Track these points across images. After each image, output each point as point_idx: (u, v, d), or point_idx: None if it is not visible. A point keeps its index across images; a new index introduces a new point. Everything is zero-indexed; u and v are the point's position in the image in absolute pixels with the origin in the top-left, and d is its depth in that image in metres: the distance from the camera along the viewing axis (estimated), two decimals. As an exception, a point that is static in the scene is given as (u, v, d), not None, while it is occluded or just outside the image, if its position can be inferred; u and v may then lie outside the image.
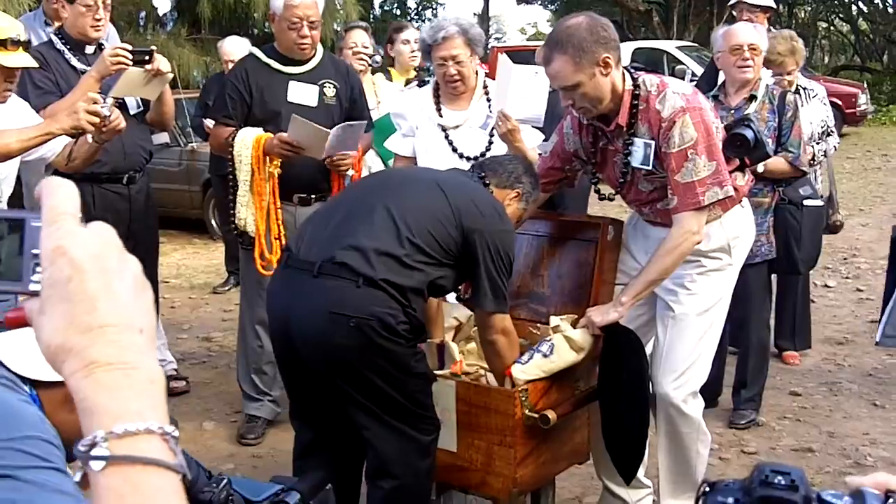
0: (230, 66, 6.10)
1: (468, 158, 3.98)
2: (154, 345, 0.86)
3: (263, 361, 4.50)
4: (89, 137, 3.66)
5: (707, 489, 1.05)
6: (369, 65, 5.45)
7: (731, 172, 3.30)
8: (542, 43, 3.84)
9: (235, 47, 6.73)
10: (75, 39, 4.42)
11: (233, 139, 4.19)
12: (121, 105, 4.11)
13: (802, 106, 4.91)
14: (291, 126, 3.98)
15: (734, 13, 5.84)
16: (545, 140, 3.70)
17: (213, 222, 9.17)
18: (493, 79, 4.08)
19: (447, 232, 2.90)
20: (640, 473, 3.52)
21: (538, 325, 3.40)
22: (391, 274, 2.81)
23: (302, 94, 4.28)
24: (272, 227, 4.19)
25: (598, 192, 3.54)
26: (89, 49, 4.45)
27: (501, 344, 3.04)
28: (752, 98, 4.46)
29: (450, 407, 3.05)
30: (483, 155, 3.98)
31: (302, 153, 4.03)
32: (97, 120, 3.51)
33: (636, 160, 3.21)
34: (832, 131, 5.21)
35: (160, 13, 15.19)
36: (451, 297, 3.45)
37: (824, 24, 33.32)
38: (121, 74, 4.12)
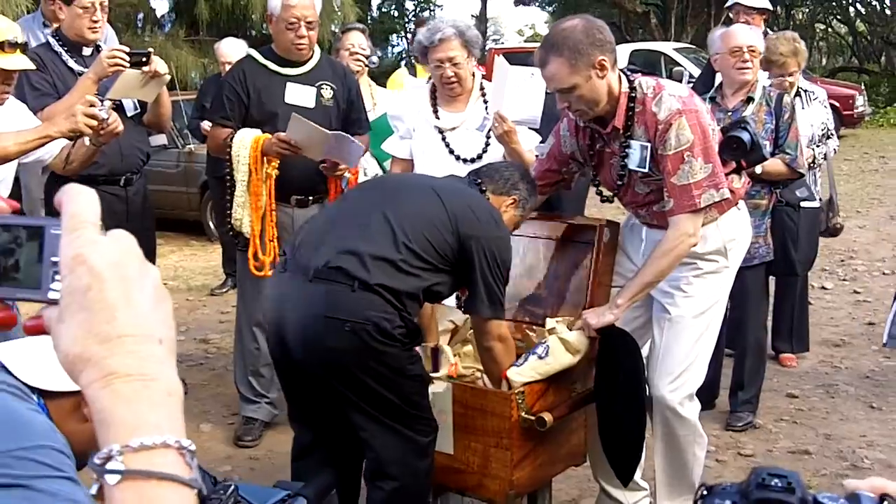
0: (227, 67, 6.11)
1: (465, 160, 3.99)
2: (173, 355, 0.85)
3: (260, 363, 4.50)
4: (87, 140, 3.66)
5: (705, 492, 1.05)
6: (366, 65, 5.45)
7: (727, 175, 3.31)
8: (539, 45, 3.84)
9: (232, 49, 6.74)
10: (72, 41, 4.41)
11: (231, 140, 4.20)
12: (118, 107, 4.10)
13: (804, 109, 4.92)
14: (291, 126, 3.98)
15: (731, 15, 5.85)
16: (542, 142, 3.71)
17: (210, 224, 9.18)
18: (490, 80, 4.09)
19: (443, 238, 2.90)
20: (637, 475, 3.52)
21: (534, 327, 3.40)
22: (387, 278, 2.81)
23: (299, 95, 4.29)
24: (267, 229, 4.19)
25: (599, 193, 3.54)
26: (86, 51, 4.44)
27: (498, 350, 3.05)
28: (750, 100, 4.46)
29: (446, 409, 3.05)
30: (480, 157, 3.99)
31: (300, 153, 4.03)
32: (95, 123, 3.51)
33: (632, 163, 3.21)
34: (832, 134, 5.21)
35: (158, 15, 15.16)
36: (450, 300, 3.45)
37: (822, 26, 33.37)
38: (118, 76, 4.12)
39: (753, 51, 4.45)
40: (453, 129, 4.07)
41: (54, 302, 0.84)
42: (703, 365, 3.40)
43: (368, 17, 27.06)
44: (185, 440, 0.80)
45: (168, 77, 4.32)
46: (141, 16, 14.36)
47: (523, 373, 3.04)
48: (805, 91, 5.05)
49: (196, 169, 9.05)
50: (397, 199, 3.01)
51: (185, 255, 9.19)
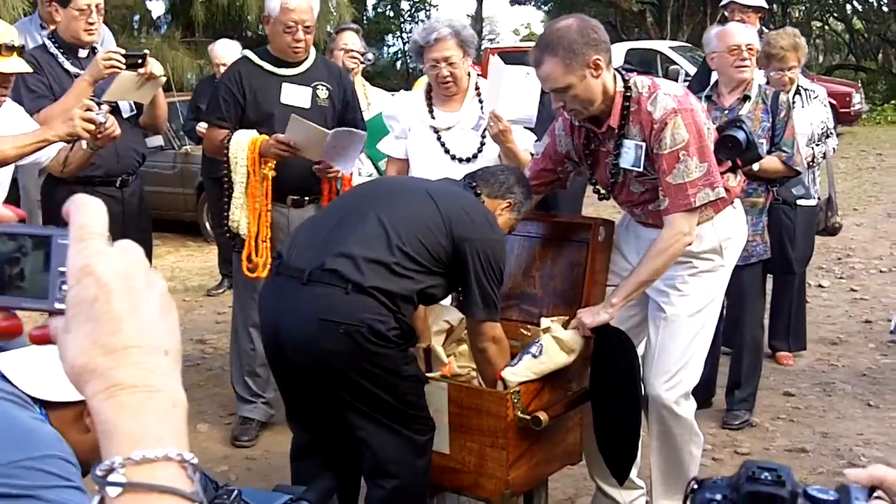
0: (221, 69, 6.11)
1: (460, 160, 3.99)
2: (178, 366, 0.85)
3: (257, 364, 4.50)
4: (84, 143, 3.67)
5: (695, 486, 1.06)
6: (361, 62, 5.45)
7: (722, 174, 3.31)
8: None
9: (227, 50, 6.73)
10: (69, 43, 4.41)
11: (228, 141, 4.20)
12: (114, 109, 4.11)
13: (804, 107, 4.91)
14: (289, 126, 3.98)
15: (726, 13, 5.86)
16: (537, 141, 3.71)
17: (206, 225, 9.18)
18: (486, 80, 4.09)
19: (437, 241, 2.91)
20: (633, 474, 3.52)
21: (529, 326, 3.41)
22: (381, 281, 2.82)
23: (295, 95, 4.29)
24: (261, 229, 4.19)
25: (597, 192, 3.55)
26: (83, 53, 4.44)
27: (492, 352, 3.06)
28: (746, 98, 4.47)
29: (442, 409, 3.05)
30: (475, 156, 3.99)
31: (298, 154, 4.03)
32: (93, 127, 3.52)
33: (626, 162, 3.21)
34: (832, 133, 5.19)
35: (154, 16, 15.18)
36: (445, 300, 3.45)
37: (818, 24, 33.32)
38: (114, 78, 4.12)
39: (751, 49, 4.47)
40: (449, 128, 4.06)
41: (61, 312, 0.84)
42: (698, 363, 3.40)
43: (364, 18, 27.07)
44: (188, 453, 0.80)
45: (164, 79, 4.33)
46: (137, 17, 14.36)
47: (518, 372, 3.04)
48: (805, 90, 5.05)
49: (192, 170, 9.04)
50: (391, 201, 3.02)
51: (182, 256, 9.18)
